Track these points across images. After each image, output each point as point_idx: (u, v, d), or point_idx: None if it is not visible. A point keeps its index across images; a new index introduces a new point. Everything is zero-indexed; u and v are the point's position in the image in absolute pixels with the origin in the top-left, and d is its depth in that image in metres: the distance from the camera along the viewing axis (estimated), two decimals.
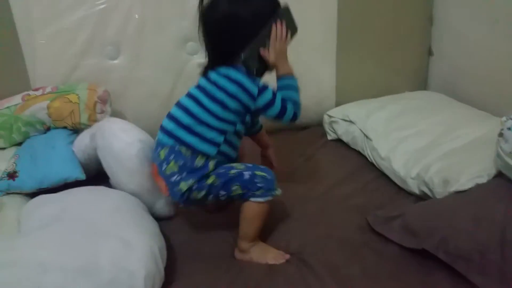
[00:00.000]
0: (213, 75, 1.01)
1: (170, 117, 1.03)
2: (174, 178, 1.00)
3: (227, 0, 1.00)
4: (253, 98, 1.00)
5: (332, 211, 1.15)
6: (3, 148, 1.32)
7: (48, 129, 1.32)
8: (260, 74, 1.04)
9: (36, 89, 1.33)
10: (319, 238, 1.03)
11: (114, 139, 1.09)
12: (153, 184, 1.08)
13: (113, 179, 1.12)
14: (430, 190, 1.13)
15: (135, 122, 1.44)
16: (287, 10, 1.04)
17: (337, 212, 1.14)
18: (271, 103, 1.02)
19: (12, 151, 1.27)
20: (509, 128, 0.96)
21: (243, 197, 1.00)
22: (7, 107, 1.30)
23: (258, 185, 0.97)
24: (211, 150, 1.00)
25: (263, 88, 1.01)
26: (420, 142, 1.28)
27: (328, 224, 1.09)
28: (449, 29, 1.63)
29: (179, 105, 1.04)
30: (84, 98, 1.30)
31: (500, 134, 0.99)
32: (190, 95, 1.03)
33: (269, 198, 0.99)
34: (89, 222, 0.91)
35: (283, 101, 1.03)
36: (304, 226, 1.09)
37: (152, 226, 0.99)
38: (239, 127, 1.04)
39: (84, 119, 1.30)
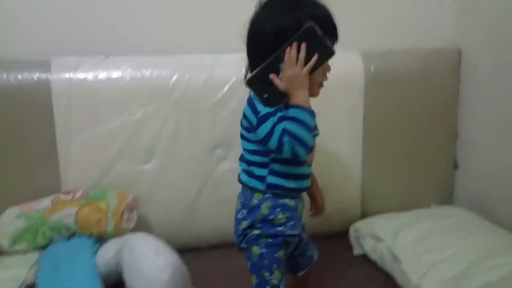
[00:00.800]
0: None
1: None
2: (239, 215, 1.06)
3: (259, 7, 0.97)
4: (254, 129, 0.97)
5: None
6: (24, 252, 1.29)
7: (73, 234, 1.30)
8: (277, 100, 0.94)
9: (67, 193, 1.34)
10: None
11: (144, 262, 1.07)
12: None
13: None
14: None
15: (158, 226, 1.47)
16: (310, 30, 0.89)
17: None
18: (269, 135, 0.94)
19: (34, 257, 1.24)
20: None
21: None
22: (36, 210, 1.30)
23: None
24: (258, 185, 1.02)
25: (263, 118, 0.94)
26: (452, 270, 1.21)
27: None
28: (473, 144, 1.64)
29: None
30: (113, 206, 1.30)
31: None
32: None
33: None
34: None
35: (282, 134, 0.92)
36: None
37: None
38: (275, 155, 0.99)
39: (110, 227, 1.29)
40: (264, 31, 0.94)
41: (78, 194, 1.33)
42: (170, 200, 1.48)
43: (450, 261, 1.26)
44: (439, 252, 1.31)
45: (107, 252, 1.19)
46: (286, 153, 0.94)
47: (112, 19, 1.50)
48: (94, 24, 1.48)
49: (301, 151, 0.93)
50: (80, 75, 1.36)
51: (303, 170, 1.05)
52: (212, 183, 1.49)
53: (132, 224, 1.32)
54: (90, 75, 1.37)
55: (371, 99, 1.56)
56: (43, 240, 1.29)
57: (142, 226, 1.40)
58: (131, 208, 1.32)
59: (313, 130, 0.96)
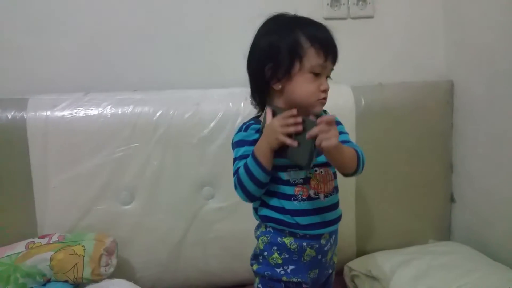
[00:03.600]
0: None
1: None
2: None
3: (261, 27, 0.99)
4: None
5: None
6: None
7: (48, 281, 1.23)
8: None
9: (42, 237, 1.27)
10: None
11: None
12: None
13: None
14: None
15: (141, 270, 1.39)
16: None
17: None
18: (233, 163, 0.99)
19: None
20: None
21: None
22: (8, 256, 1.22)
23: None
24: (256, 216, 1.03)
25: (235, 145, 1.00)
26: None
27: None
28: (469, 176, 1.59)
29: None
30: (89, 250, 1.22)
31: None
32: None
33: None
34: None
35: (234, 173, 0.97)
36: None
37: None
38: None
39: (87, 273, 1.21)
40: (260, 45, 0.97)
41: (54, 238, 1.26)
42: (154, 242, 1.41)
43: None
44: None
45: None
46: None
47: (93, 55, 1.47)
48: (73, 61, 1.45)
49: (240, 195, 0.97)
50: (58, 113, 1.32)
51: (292, 205, 0.98)
52: (199, 223, 1.42)
53: (111, 269, 1.25)
54: (68, 113, 1.32)
55: (363, 133, 1.51)
56: (16, 287, 1.21)
57: (124, 270, 1.33)
58: (110, 251, 1.25)
59: (261, 185, 0.95)
